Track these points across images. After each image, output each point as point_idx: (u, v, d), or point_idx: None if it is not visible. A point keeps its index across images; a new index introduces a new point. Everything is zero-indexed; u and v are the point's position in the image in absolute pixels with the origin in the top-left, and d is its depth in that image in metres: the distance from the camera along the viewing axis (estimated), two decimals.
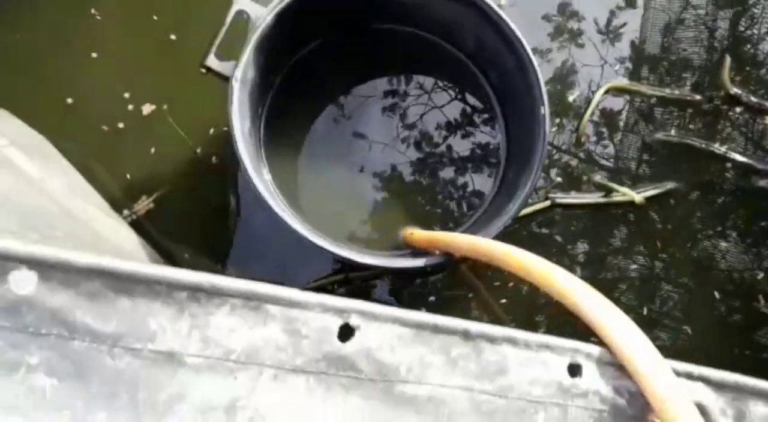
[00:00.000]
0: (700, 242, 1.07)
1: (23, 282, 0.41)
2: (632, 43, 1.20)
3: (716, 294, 1.06)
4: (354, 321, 0.50)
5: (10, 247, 0.40)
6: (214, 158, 1.13)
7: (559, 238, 1.08)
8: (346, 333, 0.50)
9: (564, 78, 1.16)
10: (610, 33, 1.21)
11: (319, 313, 0.49)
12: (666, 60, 1.21)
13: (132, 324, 0.44)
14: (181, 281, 0.45)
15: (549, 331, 1.06)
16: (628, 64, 1.20)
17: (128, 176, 1.11)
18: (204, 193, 1.14)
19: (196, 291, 0.46)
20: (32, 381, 0.41)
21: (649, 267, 1.08)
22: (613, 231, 1.08)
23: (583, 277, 0.65)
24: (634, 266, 1.07)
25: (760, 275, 1.06)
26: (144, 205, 1.11)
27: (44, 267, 0.41)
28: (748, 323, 1.07)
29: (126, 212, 1.10)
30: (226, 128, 1.10)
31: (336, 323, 0.50)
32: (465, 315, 1.08)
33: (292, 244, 0.93)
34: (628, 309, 1.01)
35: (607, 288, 1.08)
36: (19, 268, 0.41)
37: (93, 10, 1.17)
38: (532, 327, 1.07)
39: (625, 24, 1.21)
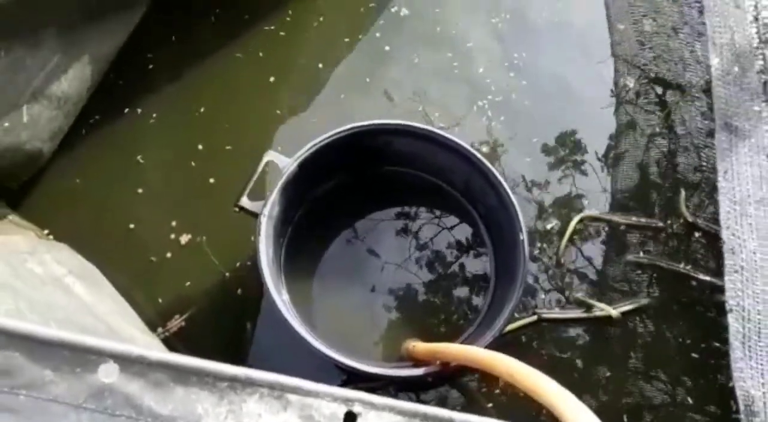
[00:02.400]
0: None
1: (109, 372, 0.55)
2: (604, 176, 1.39)
3: None
4: (357, 408, 0.63)
5: (104, 345, 0.54)
6: (239, 290, 1.28)
7: (545, 350, 1.20)
8: (350, 419, 0.63)
9: (543, 209, 1.34)
10: (600, 163, 1.41)
11: (329, 402, 0.62)
12: (635, 191, 1.39)
13: (184, 408, 0.58)
14: (224, 373, 0.59)
15: None
16: (603, 195, 1.38)
17: (162, 299, 1.27)
18: (230, 314, 1.28)
19: (234, 382, 0.59)
20: None
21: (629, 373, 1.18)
22: (594, 342, 1.20)
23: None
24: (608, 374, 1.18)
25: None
26: (176, 323, 1.26)
27: (126, 361, 0.55)
28: None
29: (160, 330, 1.24)
30: (249, 262, 1.28)
31: (342, 410, 0.62)
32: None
33: (304, 358, 1.06)
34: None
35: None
36: (107, 361, 0.55)
37: (139, 157, 1.39)
38: None
39: (604, 160, 1.41)
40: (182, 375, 0.58)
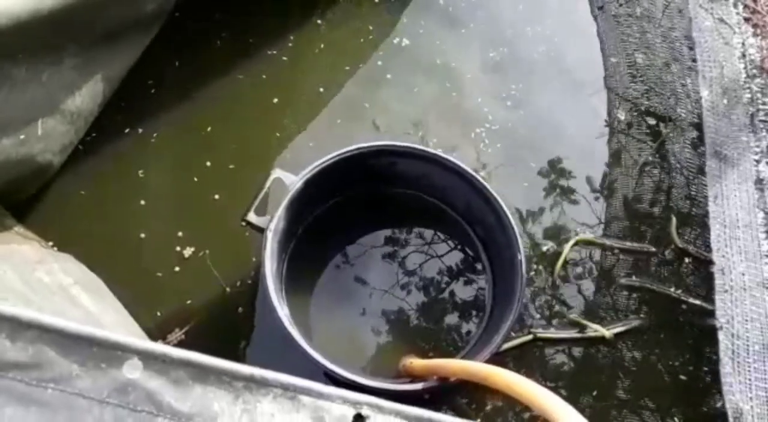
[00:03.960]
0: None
1: (133, 368, 0.58)
2: (600, 203, 1.44)
3: None
4: (365, 411, 0.65)
5: (130, 341, 0.57)
6: (239, 307, 1.31)
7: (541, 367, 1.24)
8: (358, 421, 0.65)
9: (539, 233, 1.39)
10: (594, 190, 1.47)
11: (339, 404, 0.65)
12: (627, 218, 1.44)
13: (202, 406, 0.60)
14: (240, 372, 0.61)
15: None
16: (596, 221, 1.43)
17: (163, 311, 1.28)
18: (230, 329, 1.30)
19: (249, 382, 0.62)
20: None
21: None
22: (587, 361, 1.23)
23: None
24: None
25: None
26: (176, 336, 1.27)
27: (149, 358, 0.58)
28: None
29: (160, 342, 1.26)
30: (249, 280, 1.31)
31: (351, 413, 0.65)
32: None
33: (300, 374, 1.07)
34: None
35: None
36: (131, 358, 0.58)
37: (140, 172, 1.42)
38: None
39: (598, 187, 1.47)
40: (201, 374, 0.60)
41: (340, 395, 0.65)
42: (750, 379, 0.85)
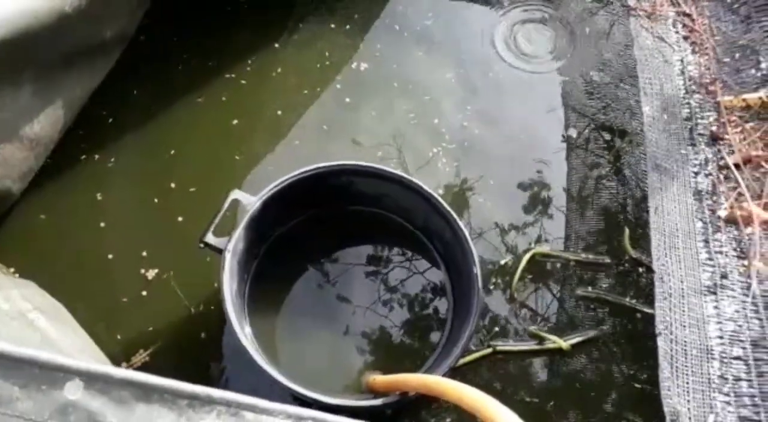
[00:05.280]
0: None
1: (74, 389, 0.59)
2: (558, 215, 1.48)
3: None
4: None
5: (70, 363, 0.58)
6: (202, 334, 1.31)
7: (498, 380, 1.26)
8: None
9: (498, 246, 1.42)
10: (554, 203, 1.50)
11: (282, 419, 0.66)
12: (585, 230, 1.47)
13: None
14: (184, 391, 0.62)
15: None
16: (556, 233, 1.46)
17: (127, 333, 1.29)
18: (195, 351, 1.31)
19: (193, 399, 0.63)
20: None
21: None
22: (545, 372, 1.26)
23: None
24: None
25: None
26: (140, 358, 1.28)
27: (90, 378, 0.59)
28: None
29: (124, 364, 1.26)
30: (213, 306, 1.31)
31: None
32: None
33: (265, 395, 1.08)
34: None
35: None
36: (72, 379, 0.59)
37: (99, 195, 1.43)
38: None
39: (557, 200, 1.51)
40: (144, 393, 0.61)
41: (283, 410, 0.67)
42: (688, 383, 0.88)
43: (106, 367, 0.60)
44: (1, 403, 0.57)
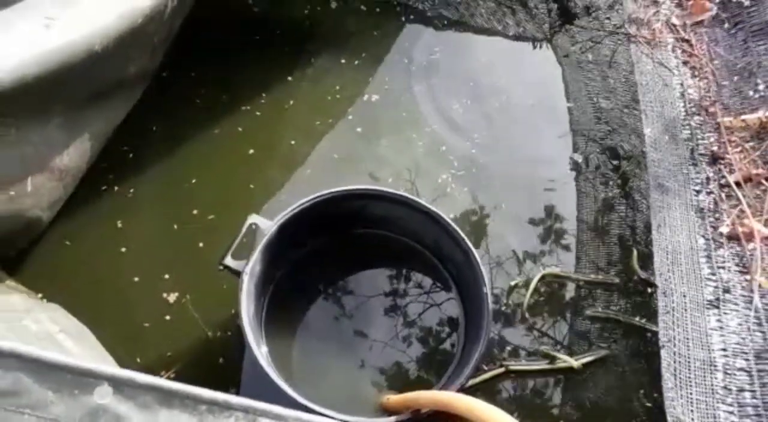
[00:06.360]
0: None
1: (104, 393, 0.63)
2: (569, 237, 1.51)
3: None
4: None
5: (99, 368, 0.62)
6: (221, 359, 1.35)
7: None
8: None
9: (506, 266, 1.45)
10: (565, 226, 1.53)
11: None
12: (594, 251, 1.50)
13: None
14: (204, 397, 0.66)
15: None
16: (565, 255, 1.49)
17: (149, 356, 1.33)
18: (213, 374, 1.34)
19: (212, 405, 0.67)
20: None
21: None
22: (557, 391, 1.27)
23: None
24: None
25: None
26: (163, 377, 1.31)
27: (118, 383, 0.63)
28: None
29: None
30: (230, 332, 1.35)
31: None
32: None
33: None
34: None
35: None
36: (102, 384, 0.63)
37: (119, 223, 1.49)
38: None
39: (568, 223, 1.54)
40: (166, 398, 0.65)
41: (297, 417, 0.70)
42: (691, 393, 0.89)
43: (131, 372, 0.64)
44: (38, 407, 0.61)
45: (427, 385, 1.28)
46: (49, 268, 1.42)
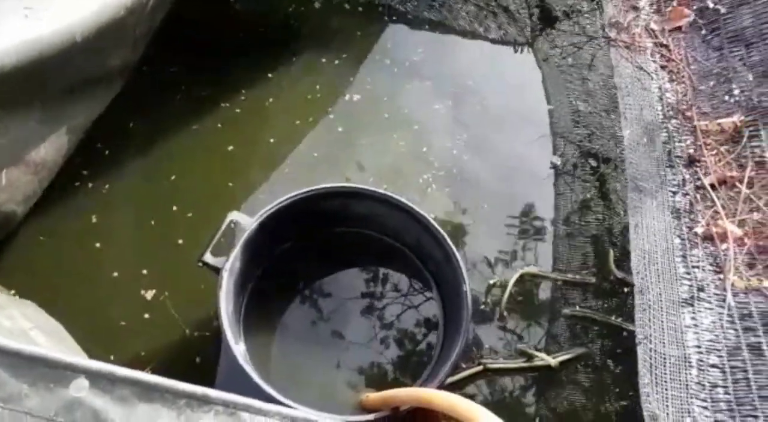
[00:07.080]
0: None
1: (80, 387, 0.62)
2: (546, 237, 1.53)
3: None
4: None
5: (76, 361, 0.61)
6: (197, 358, 1.33)
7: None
8: None
9: (485, 265, 1.46)
10: (543, 226, 1.55)
11: (277, 420, 0.69)
12: (572, 251, 1.52)
13: None
14: (183, 391, 0.66)
15: None
16: (543, 254, 1.51)
17: (124, 352, 1.31)
18: (188, 372, 1.32)
19: (191, 399, 0.66)
20: None
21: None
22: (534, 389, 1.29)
23: None
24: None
25: None
26: None
27: (95, 377, 0.62)
28: None
29: None
30: (207, 331, 1.34)
31: None
32: None
33: None
34: None
35: None
36: (78, 377, 0.62)
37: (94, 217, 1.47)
38: None
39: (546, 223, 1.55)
40: (145, 392, 0.64)
41: (277, 411, 0.70)
42: (666, 389, 0.91)
43: (109, 366, 0.63)
44: (11, 400, 0.60)
45: (406, 382, 1.28)
46: (23, 264, 1.40)
